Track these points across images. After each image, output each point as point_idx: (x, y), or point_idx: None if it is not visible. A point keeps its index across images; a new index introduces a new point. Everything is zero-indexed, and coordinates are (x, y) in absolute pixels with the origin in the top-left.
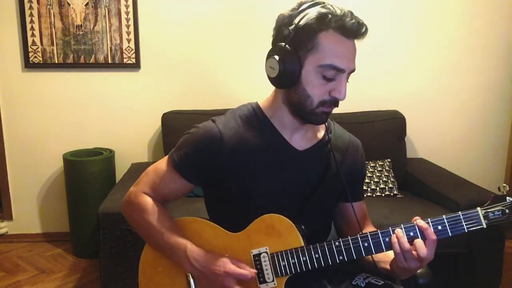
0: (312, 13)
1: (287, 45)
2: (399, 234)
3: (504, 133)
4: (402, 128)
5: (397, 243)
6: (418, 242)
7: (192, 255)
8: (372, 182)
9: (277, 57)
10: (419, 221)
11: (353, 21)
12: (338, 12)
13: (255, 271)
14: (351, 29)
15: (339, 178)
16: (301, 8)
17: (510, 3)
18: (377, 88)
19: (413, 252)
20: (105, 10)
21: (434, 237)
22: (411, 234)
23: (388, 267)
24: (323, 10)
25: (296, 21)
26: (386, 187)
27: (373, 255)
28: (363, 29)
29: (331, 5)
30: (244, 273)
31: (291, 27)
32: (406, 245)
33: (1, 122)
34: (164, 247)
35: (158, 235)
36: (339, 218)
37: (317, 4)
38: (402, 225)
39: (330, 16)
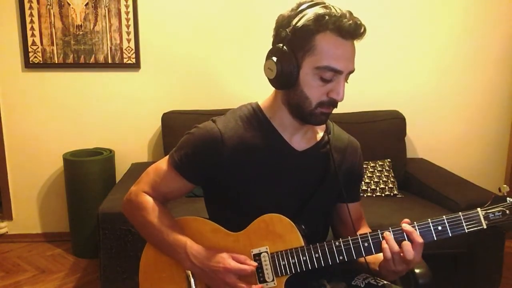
0: (310, 14)
1: (284, 47)
2: (388, 237)
3: (504, 133)
4: (402, 128)
5: (388, 248)
6: (406, 245)
7: (192, 252)
8: (372, 182)
9: (275, 59)
10: (404, 225)
11: (351, 22)
12: (336, 12)
13: (255, 264)
14: (349, 30)
15: (338, 179)
16: (299, 9)
17: (510, 2)
18: (377, 88)
19: (401, 254)
20: (105, 10)
21: (420, 240)
22: (399, 237)
23: (376, 268)
24: (321, 11)
25: (294, 22)
26: (386, 187)
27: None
28: (361, 30)
29: (331, 6)
30: (244, 268)
31: (289, 29)
32: (396, 248)
33: (1, 122)
34: (164, 245)
35: (158, 233)
36: (335, 218)
37: (316, 4)
38: (390, 228)
39: (327, 17)
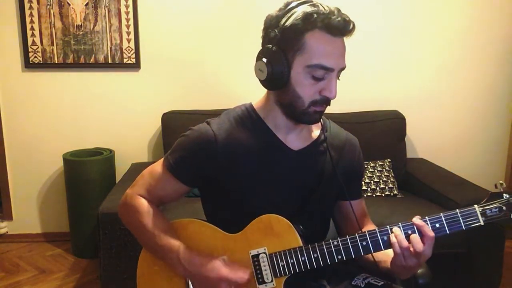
0: (298, 13)
1: (274, 47)
2: (397, 232)
3: (504, 133)
4: (402, 128)
5: (397, 243)
6: (414, 237)
7: (185, 257)
8: (372, 182)
9: (265, 60)
10: (415, 219)
11: (339, 18)
12: (324, 10)
13: (249, 271)
14: (338, 27)
15: (336, 177)
16: (287, 8)
17: (510, 3)
18: (377, 88)
19: (411, 249)
20: (105, 10)
21: (432, 234)
22: (409, 232)
23: (388, 266)
24: (309, 10)
25: (282, 22)
26: (386, 187)
27: (373, 255)
28: (350, 26)
29: (318, 3)
30: (237, 278)
31: (278, 28)
32: (404, 242)
33: (1, 122)
34: (157, 249)
35: (152, 237)
36: (339, 216)
37: (304, 3)
38: (400, 223)
39: (315, 15)
